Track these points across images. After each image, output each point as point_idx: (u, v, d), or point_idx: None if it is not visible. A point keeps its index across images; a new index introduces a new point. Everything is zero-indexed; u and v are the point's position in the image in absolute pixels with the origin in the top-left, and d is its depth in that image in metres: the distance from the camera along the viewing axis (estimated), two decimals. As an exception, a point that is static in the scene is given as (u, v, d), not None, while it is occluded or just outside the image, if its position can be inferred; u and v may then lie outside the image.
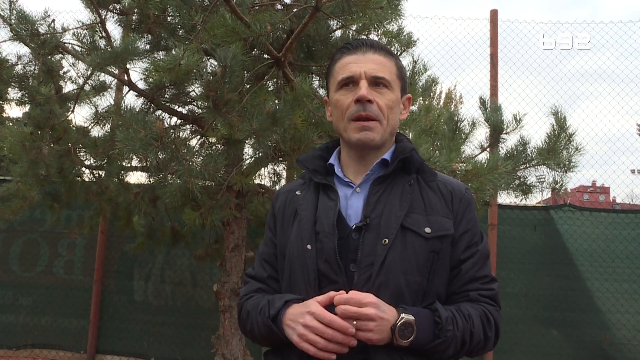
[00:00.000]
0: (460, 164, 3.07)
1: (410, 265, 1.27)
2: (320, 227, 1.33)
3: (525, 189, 3.50)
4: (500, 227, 5.14)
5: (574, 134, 3.34)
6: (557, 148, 3.33)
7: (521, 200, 3.59)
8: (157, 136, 2.62)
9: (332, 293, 1.24)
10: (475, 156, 3.70)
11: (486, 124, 3.77)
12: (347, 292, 1.23)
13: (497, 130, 3.64)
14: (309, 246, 1.32)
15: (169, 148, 2.78)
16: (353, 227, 1.31)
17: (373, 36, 2.96)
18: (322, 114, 2.76)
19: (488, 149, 3.73)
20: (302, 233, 1.35)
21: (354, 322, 1.18)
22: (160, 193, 2.94)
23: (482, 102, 3.82)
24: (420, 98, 3.56)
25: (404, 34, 3.10)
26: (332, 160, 1.46)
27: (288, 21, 2.98)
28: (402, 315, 1.20)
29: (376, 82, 1.36)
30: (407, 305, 1.25)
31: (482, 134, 4.07)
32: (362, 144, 1.37)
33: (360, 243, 1.28)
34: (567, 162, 3.34)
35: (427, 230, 1.30)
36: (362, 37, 3.41)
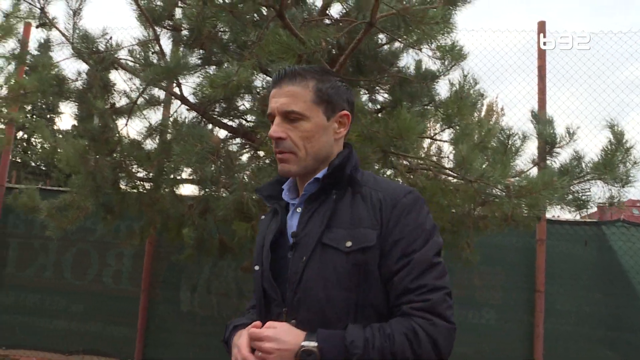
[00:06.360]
0: (514, 179, 3.02)
1: (329, 281, 1.28)
2: (265, 249, 1.41)
3: (580, 204, 3.41)
4: (549, 242, 5.02)
5: (631, 147, 3.26)
6: (614, 162, 3.24)
7: (575, 215, 3.50)
8: (213, 150, 2.68)
9: (256, 323, 1.32)
10: (527, 170, 3.64)
11: (538, 137, 3.72)
12: (283, 310, 1.32)
13: (549, 144, 3.58)
14: (256, 267, 1.42)
15: (224, 161, 2.83)
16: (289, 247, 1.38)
17: (426, 50, 2.96)
18: (376, 129, 2.77)
19: (541, 163, 3.67)
20: (255, 255, 1.46)
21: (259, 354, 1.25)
22: (214, 205, 2.99)
23: (534, 115, 3.77)
24: (477, 113, 3.53)
25: (457, 48, 3.09)
26: (286, 185, 1.51)
27: (341, 36, 3.00)
28: (303, 343, 1.22)
29: (287, 116, 1.37)
30: (333, 321, 1.27)
31: (531, 147, 4.00)
32: (282, 175, 1.45)
33: (290, 262, 1.34)
34: (624, 177, 3.25)
35: (348, 244, 1.29)
36: (416, 53, 3.40)
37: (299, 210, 1.41)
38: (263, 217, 1.54)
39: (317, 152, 1.39)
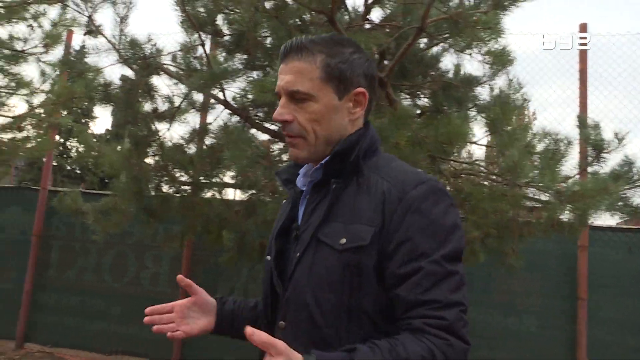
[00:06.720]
0: (564, 184, 2.98)
1: (319, 281, 1.15)
2: (274, 238, 1.32)
3: (630, 211, 3.34)
4: (591, 248, 4.92)
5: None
6: (667, 168, 3.17)
7: (624, 221, 3.43)
8: (263, 154, 2.70)
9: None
10: (573, 176, 3.59)
11: (583, 142, 3.66)
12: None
13: (597, 149, 3.52)
14: (268, 257, 1.30)
15: (271, 166, 2.85)
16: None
17: (476, 54, 2.93)
18: (424, 134, 2.75)
19: (586, 169, 3.61)
20: (268, 244, 1.35)
21: None
22: (262, 209, 3.01)
23: (581, 120, 3.71)
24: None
25: (506, 53, 3.05)
26: (303, 169, 1.35)
27: (390, 41, 3.00)
28: None
29: (293, 96, 1.21)
30: (322, 326, 1.14)
31: (572, 152, 3.93)
32: (292, 160, 1.32)
33: (291, 256, 1.23)
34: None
35: (343, 241, 1.14)
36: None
37: (307, 197, 1.28)
38: (284, 202, 1.41)
39: (328, 136, 1.23)
